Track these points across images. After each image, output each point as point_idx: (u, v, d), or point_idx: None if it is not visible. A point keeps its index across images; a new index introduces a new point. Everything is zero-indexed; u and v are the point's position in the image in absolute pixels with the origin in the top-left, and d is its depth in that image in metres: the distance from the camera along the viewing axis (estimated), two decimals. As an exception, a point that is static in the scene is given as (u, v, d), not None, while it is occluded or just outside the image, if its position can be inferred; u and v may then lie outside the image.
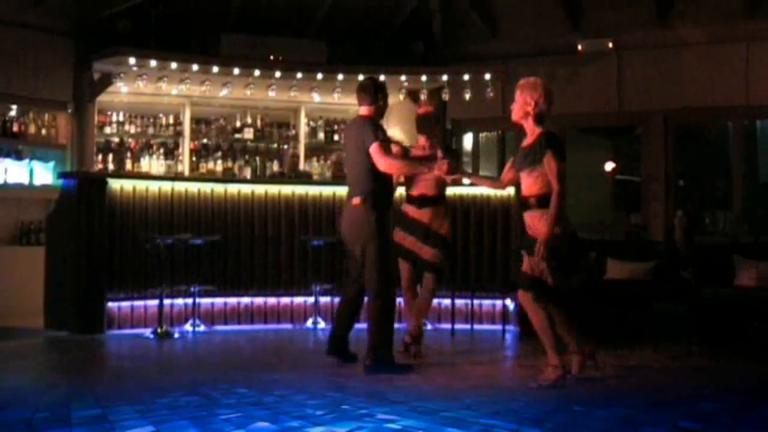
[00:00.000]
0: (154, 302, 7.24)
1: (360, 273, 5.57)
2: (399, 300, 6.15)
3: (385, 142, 5.48)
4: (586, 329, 5.88)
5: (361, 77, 9.34)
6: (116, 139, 9.44)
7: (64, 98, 8.99)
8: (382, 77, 9.28)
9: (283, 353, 6.57)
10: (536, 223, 4.95)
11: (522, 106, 5.10)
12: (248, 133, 9.91)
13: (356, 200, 5.48)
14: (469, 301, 7.78)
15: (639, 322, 7.03)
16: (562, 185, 4.90)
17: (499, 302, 7.86)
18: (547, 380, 4.93)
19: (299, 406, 4.21)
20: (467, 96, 9.64)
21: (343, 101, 9.90)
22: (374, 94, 5.61)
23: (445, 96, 9.74)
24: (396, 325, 5.63)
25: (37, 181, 8.77)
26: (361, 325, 5.73)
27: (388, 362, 5.35)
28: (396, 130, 9.49)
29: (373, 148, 5.40)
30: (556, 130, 10.84)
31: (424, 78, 9.48)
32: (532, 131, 5.10)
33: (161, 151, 9.54)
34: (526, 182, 5.04)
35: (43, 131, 8.92)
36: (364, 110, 5.65)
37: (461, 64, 9.88)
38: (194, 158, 9.69)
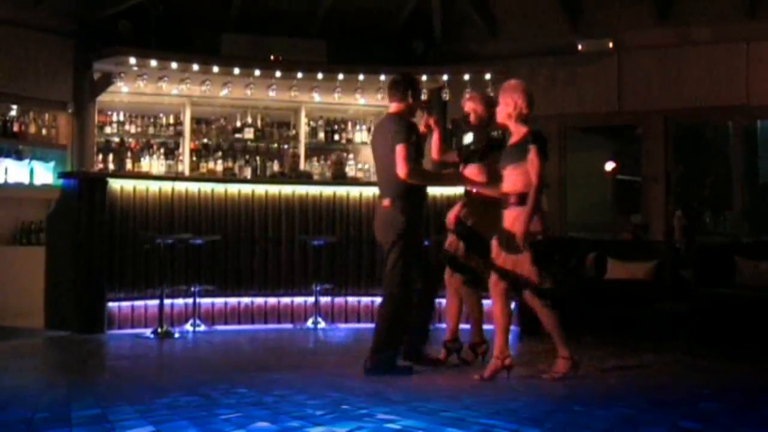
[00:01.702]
0: (155, 302, 7.23)
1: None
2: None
3: (414, 146, 5.26)
4: (584, 329, 5.91)
5: (361, 77, 9.39)
6: (116, 139, 9.45)
7: (64, 98, 8.99)
8: (382, 77, 9.32)
9: (283, 353, 6.57)
10: (515, 220, 4.99)
11: (503, 108, 5.20)
12: (248, 133, 9.92)
13: (386, 202, 5.36)
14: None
15: (639, 322, 7.03)
16: (541, 182, 4.97)
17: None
18: (558, 372, 5.04)
19: (299, 406, 4.21)
20: (467, 96, 9.62)
21: (344, 101, 9.91)
22: (404, 91, 5.42)
23: (445, 96, 9.74)
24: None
25: (37, 181, 8.78)
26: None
27: (390, 365, 5.28)
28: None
29: (399, 149, 5.21)
30: (556, 130, 10.91)
31: (424, 78, 9.46)
32: (517, 131, 5.18)
33: (161, 151, 9.55)
34: (509, 179, 5.11)
35: (44, 131, 8.92)
36: (393, 107, 5.48)
37: (461, 64, 9.88)
38: (194, 158, 9.69)
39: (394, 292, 5.34)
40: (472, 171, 5.76)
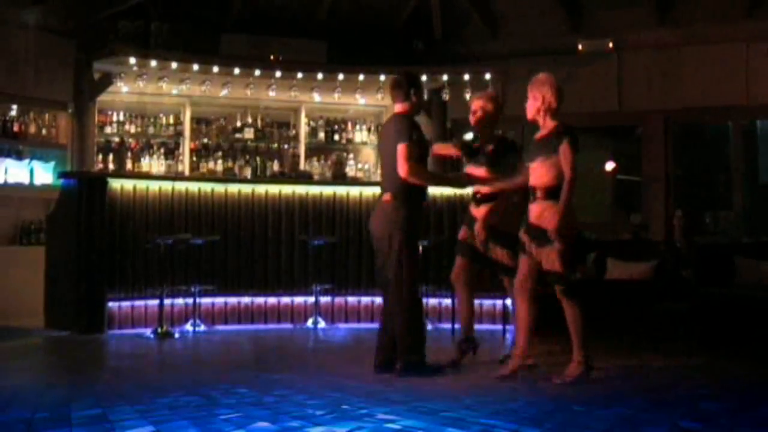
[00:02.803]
0: (155, 302, 7.24)
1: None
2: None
3: (416, 145, 5.26)
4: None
5: (361, 77, 9.39)
6: (116, 139, 9.44)
7: (64, 98, 8.98)
8: (382, 77, 9.32)
9: (283, 353, 6.57)
10: (544, 213, 4.97)
11: (532, 103, 5.16)
12: (248, 133, 9.91)
13: (387, 196, 5.36)
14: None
15: (639, 322, 7.03)
16: (575, 175, 4.92)
17: (499, 302, 7.86)
18: (571, 376, 4.98)
19: (299, 406, 4.21)
20: (467, 96, 9.63)
21: (344, 101, 9.91)
22: (407, 90, 5.44)
23: (445, 96, 9.74)
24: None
25: (37, 181, 8.77)
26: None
27: (420, 365, 5.25)
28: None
29: (400, 148, 5.23)
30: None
31: (424, 78, 9.46)
32: (546, 125, 5.14)
33: (161, 150, 9.54)
34: (538, 172, 5.06)
35: (44, 131, 8.92)
36: (398, 107, 5.49)
37: (461, 64, 9.88)
38: (194, 158, 9.69)
39: (399, 288, 5.29)
40: (479, 172, 5.77)
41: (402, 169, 5.24)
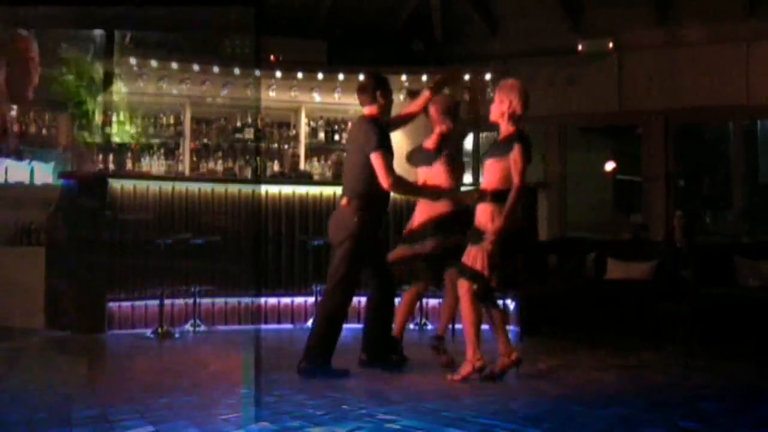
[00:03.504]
0: (155, 302, 7.24)
1: (376, 269, 5.42)
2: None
3: (388, 151, 5.22)
4: (584, 329, 5.89)
5: (361, 77, 9.36)
6: (116, 139, 9.44)
7: (64, 98, 8.97)
8: (382, 77, 9.32)
9: (283, 353, 6.57)
10: (486, 216, 4.97)
11: (498, 106, 5.16)
12: (248, 133, 9.90)
13: (345, 200, 5.36)
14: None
15: (639, 322, 7.03)
16: (523, 183, 4.92)
17: (499, 302, 7.84)
18: (460, 375, 5.00)
19: (299, 406, 4.21)
20: (466, 97, 9.63)
21: (344, 101, 9.90)
22: (372, 93, 5.39)
23: (446, 96, 9.74)
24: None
25: (37, 181, 8.77)
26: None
27: (321, 365, 5.19)
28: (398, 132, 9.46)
29: (375, 158, 5.17)
30: (556, 130, 10.88)
31: (424, 78, 9.48)
32: (506, 129, 5.14)
33: (162, 151, 9.54)
34: (489, 172, 5.06)
35: (44, 131, 8.91)
36: (366, 110, 5.46)
37: (461, 63, 9.88)
38: (195, 158, 9.68)
39: (332, 291, 5.31)
40: (436, 171, 5.75)
41: (385, 181, 5.17)
